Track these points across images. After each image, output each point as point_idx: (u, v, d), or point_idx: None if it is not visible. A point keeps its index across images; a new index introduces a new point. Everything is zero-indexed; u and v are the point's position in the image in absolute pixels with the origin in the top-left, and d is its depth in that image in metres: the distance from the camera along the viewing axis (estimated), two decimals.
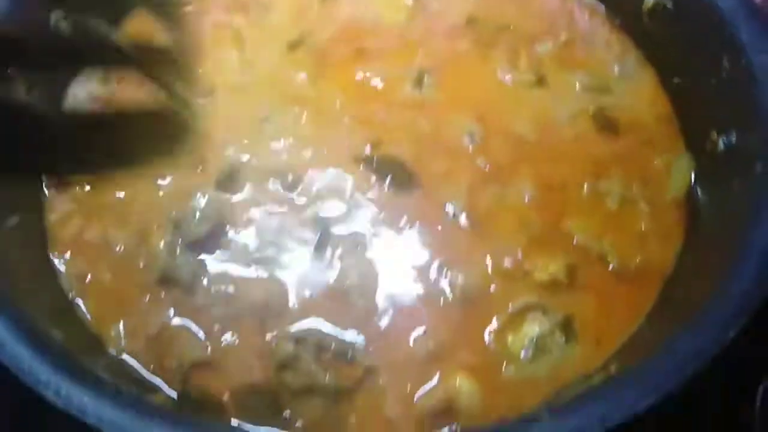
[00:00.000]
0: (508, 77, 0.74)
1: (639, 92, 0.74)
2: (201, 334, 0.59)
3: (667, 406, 0.57)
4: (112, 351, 0.58)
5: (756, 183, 0.55)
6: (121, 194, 0.66)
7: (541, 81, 0.74)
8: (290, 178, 0.66)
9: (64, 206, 0.66)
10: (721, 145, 0.63)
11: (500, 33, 0.77)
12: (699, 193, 0.66)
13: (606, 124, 0.71)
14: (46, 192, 0.67)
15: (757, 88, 0.60)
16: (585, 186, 0.66)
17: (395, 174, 0.67)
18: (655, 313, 0.59)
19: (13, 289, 0.52)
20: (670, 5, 0.71)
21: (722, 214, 0.60)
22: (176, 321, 0.59)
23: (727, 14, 0.64)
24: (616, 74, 0.75)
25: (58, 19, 0.67)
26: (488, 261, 0.62)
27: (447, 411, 0.55)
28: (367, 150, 0.68)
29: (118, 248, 0.63)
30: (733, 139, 0.62)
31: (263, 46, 0.76)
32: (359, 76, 0.73)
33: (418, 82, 0.73)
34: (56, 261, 0.63)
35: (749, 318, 0.45)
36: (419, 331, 0.58)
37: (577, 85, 0.73)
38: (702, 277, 0.55)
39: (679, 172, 0.68)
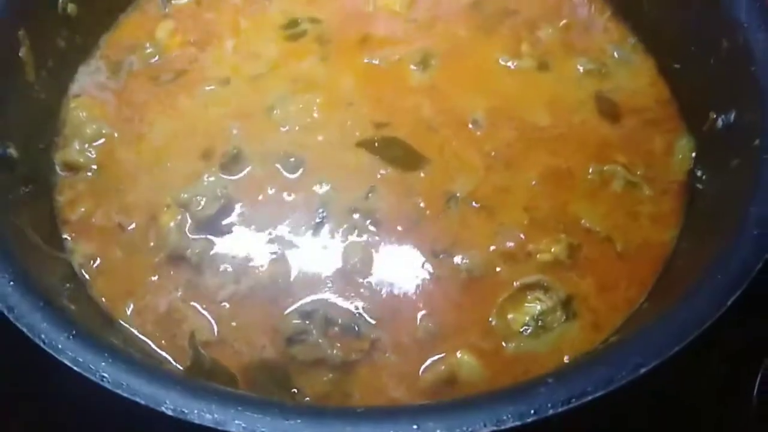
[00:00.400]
0: (511, 63, 0.75)
1: (638, 76, 0.75)
2: (209, 314, 0.60)
3: (666, 388, 0.59)
4: (123, 327, 0.59)
5: (755, 157, 0.56)
6: (129, 176, 0.67)
7: (544, 66, 0.75)
8: (293, 160, 0.67)
9: (73, 188, 0.67)
10: (719, 124, 0.65)
11: (504, 17, 0.78)
12: (699, 173, 0.67)
13: (609, 107, 0.72)
14: (59, 172, 0.68)
15: (756, 66, 0.61)
16: (591, 169, 0.67)
17: (402, 156, 0.68)
18: (656, 291, 0.60)
19: (28, 265, 0.53)
20: None
21: (721, 191, 0.62)
22: (185, 300, 0.60)
23: None
24: (615, 59, 0.76)
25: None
26: (493, 242, 0.63)
27: (449, 384, 0.56)
28: (374, 132, 0.69)
29: (129, 228, 0.64)
30: (732, 117, 0.63)
31: (267, 35, 0.77)
32: (366, 61, 0.74)
33: (424, 66, 0.74)
34: (67, 242, 0.64)
35: (748, 284, 0.46)
36: (424, 308, 0.60)
37: (580, 69, 0.75)
38: (701, 253, 0.56)
39: (681, 153, 0.69)
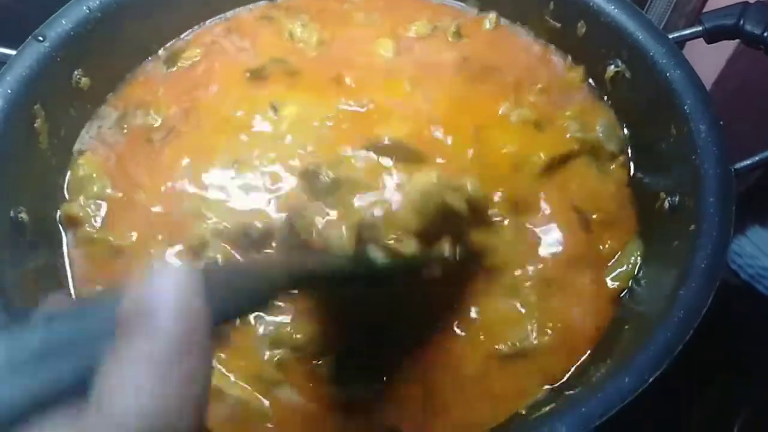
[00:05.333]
0: (500, 107, 0.79)
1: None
2: None
3: None
4: None
5: (690, 242, 0.62)
6: (125, 230, 0.72)
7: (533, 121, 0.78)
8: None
9: (75, 243, 0.72)
10: (666, 205, 0.71)
11: (489, 72, 0.82)
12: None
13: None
14: (62, 228, 0.73)
15: (696, 155, 0.68)
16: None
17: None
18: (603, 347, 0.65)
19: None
20: (628, 74, 0.79)
21: (663, 268, 0.67)
22: None
23: (675, 85, 0.72)
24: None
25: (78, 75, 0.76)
26: None
27: None
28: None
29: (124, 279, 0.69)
30: (677, 200, 0.69)
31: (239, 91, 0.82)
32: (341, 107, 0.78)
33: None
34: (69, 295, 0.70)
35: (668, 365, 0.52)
36: None
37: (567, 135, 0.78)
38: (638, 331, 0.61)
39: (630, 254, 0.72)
